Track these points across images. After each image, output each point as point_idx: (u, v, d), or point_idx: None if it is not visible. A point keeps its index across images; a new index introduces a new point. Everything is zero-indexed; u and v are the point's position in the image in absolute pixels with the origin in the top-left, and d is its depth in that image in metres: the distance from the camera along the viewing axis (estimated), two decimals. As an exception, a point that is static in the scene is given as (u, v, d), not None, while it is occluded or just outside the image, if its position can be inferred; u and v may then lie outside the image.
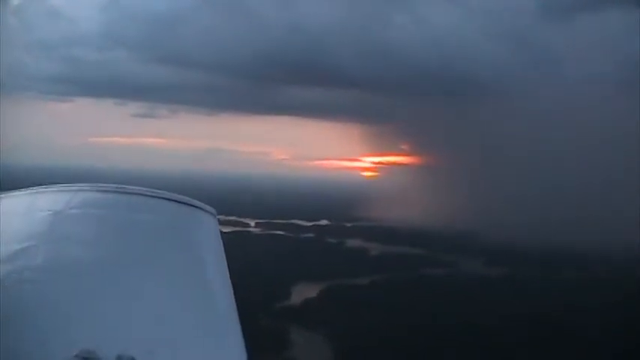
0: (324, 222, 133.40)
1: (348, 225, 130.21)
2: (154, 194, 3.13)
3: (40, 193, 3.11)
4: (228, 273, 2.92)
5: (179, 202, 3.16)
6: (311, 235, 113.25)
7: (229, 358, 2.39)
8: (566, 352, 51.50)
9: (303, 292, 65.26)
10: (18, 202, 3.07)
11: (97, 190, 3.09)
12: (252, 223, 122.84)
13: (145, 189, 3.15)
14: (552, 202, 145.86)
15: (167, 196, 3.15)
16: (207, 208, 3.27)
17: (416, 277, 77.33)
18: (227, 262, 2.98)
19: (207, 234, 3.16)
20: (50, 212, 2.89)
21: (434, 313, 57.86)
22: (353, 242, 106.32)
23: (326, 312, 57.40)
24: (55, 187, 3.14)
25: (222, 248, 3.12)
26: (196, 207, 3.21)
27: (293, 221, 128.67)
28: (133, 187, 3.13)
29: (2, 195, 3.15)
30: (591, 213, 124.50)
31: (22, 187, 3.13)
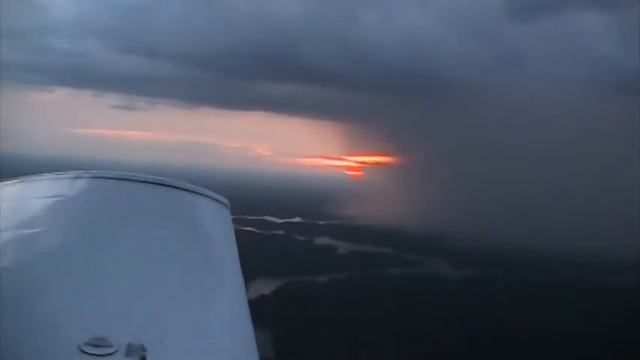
0: (297, 219, 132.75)
1: (321, 223, 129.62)
2: (166, 183, 3.15)
3: (50, 180, 3.15)
4: (239, 262, 2.94)
5: (192, 191, 3.20)
6: (281, 232, 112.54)
7: (240, 347, 2.37)
8: (515, 352, 51.39)
9: (259, 289, 64.45)
10: (27, 187, 3.10)
11: (110, 177, 3.12)
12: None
13: (157, 177, 3.18)
14: (526, 205, 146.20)
15: (179, 185, 3.19)
16: (220, 198, 3.33)
17: (378, 276, 77.14)
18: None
19: (219, 223, 3.19)
20: (60, 198, 2.91)
21: (387, 312, 57.57)
22: (322, 240, 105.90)
23: (277, 310, 56.83)
24: (67, 174, 3.18)
25: (234, 238, 3.14)
26: (208, 197, 3.26)
27: (265, 218, 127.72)
28: (147, 176, 3.16)
29: (6, 182, 3.16)
30: (561, 217, 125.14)
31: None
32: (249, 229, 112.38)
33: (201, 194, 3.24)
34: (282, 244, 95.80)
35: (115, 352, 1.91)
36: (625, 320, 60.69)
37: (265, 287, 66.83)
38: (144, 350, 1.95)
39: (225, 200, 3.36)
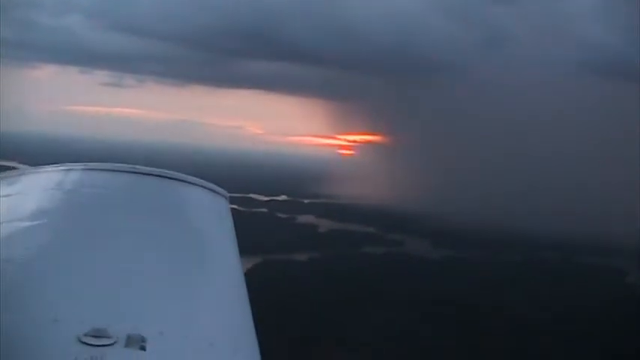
0: (282, 197, 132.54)
1: (305, 201, 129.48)
2: (166, 175, 3.22)
3: (52, 172, 3.18)
4: (238, 254, 3.04)
5: (191, 183, 3.29)
6: (264, 210, 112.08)
7: (239, 339, 2.40)
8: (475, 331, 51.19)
9: (234, 267, 64.17)
10: (26, 180, 3.11)
11: (109, 170, 3.18)
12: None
13: (157, 170, 3.24)
14: (512, 188, 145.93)
15: (178, 177, 3.26)
16: (219, 190, 3.46)
17: (356, 255, 76.82)
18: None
19: (218, 216, 3.28)
20: (62, 191, 2.95)
21: (360, 290, 57.30)
22: (304, 218, 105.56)
23: (251, 287, 56.18)
24: (65, 166, 3.22)
25: (233, 230, 3.24)
26: (208, 189, 3.37)
27: (250, 195, 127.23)
28: (146, 168, 3.22)
29: (13, 172, 3.22)
30: (545, 199, 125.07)
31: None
32: (231, 206, 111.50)
33: (200, 186, 3.31)
34: (263, 221, 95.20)
35: (115, 343, 1.95)
36: (606, 302, 60.98)
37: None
38: (143, 341, 1.98)
39: (224, 192, 3.46)
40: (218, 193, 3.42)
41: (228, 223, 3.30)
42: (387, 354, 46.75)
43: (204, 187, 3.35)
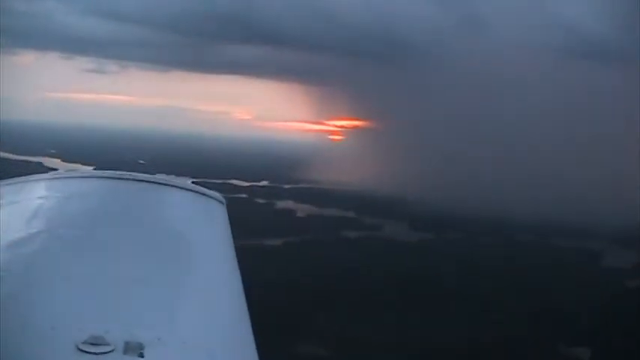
0: (263, 183, 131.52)
1: (286, 187, 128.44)
2: (162, 182, 3.24)
3: (45, 180, 3.20)
4: (235, 260, 2.99)
5: (188, 189, 3.30)
6: (244, 195, 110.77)
7: (237, 346, 2.41)
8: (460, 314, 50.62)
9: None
10: (25, 188, 3.10)
11: (102, 177, 3.19)
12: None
13: (152, 176, 3.25)
14: (497, 172, 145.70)
15: (174, 183, 3.28)
16: (216, 196, 3.44)
17: (332, 240, 75.98)
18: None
19: (215, 222, 3.26)
20: (57, 199, 2.96)
21: (331, 274, 56.46)
22: (284, 204, 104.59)
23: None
24: (61, 174, 3.28)
25: (230, 236, 3.21)
26: (205, 195, 3.36)
27: (231, 181, 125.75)
28: (142, 175, 3.23)
29: (5, 182, 3.18)
30: (526, 183, 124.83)
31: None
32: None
33: (196, 192, 3.28)
34: (241, 207, 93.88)
35: (113, 350, 1.95)
36: (582, 284, 60.77)
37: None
38: (141, 348, 1.98)
39: (221, 197, 3.41)
40: (215, 198, 3.37)
41: (225, 229, 3.22)
42: (363, 340, 46.00)
43: (201, 193, 3.30)
